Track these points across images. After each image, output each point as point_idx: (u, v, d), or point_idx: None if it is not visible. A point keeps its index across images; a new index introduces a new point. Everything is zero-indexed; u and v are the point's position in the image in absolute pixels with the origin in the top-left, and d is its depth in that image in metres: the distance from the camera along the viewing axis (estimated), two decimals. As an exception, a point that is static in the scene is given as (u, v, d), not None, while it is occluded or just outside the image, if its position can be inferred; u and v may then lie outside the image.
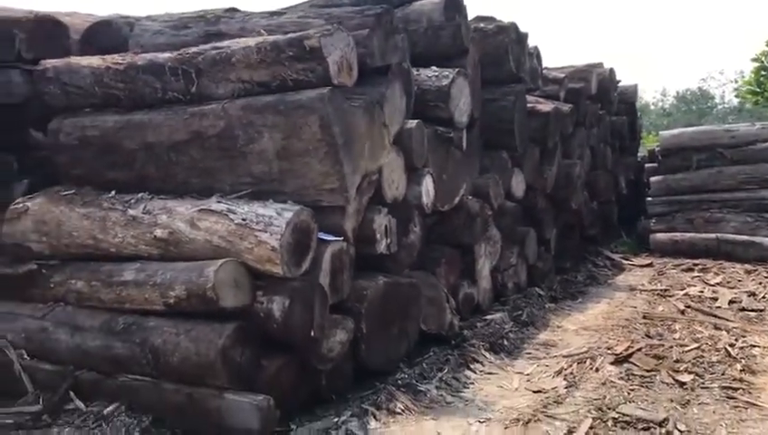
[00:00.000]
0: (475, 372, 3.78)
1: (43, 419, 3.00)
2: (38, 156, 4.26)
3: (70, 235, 3.50)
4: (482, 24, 5.58)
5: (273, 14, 4.14)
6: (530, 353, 4.13)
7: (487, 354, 4.00)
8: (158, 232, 3.21)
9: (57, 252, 3.58)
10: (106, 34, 4.50)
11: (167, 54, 3.59)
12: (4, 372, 3.32)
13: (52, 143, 3.83)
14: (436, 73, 4.43)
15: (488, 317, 4.64)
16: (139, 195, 3.46)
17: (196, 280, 2.95)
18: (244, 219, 3.08)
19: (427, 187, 4.10)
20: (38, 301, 3.54)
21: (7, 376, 3.31)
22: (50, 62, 3.82)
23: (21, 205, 3.69)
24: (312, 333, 3.01)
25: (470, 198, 4.76)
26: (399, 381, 3.49)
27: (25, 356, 3.31)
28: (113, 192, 3.57)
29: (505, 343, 4.22)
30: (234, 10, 4.54)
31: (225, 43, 3.47)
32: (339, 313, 3.32)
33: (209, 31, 4.16)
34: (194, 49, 3.54)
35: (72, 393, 3.11)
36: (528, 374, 3.78)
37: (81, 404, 3.06)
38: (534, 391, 3.51)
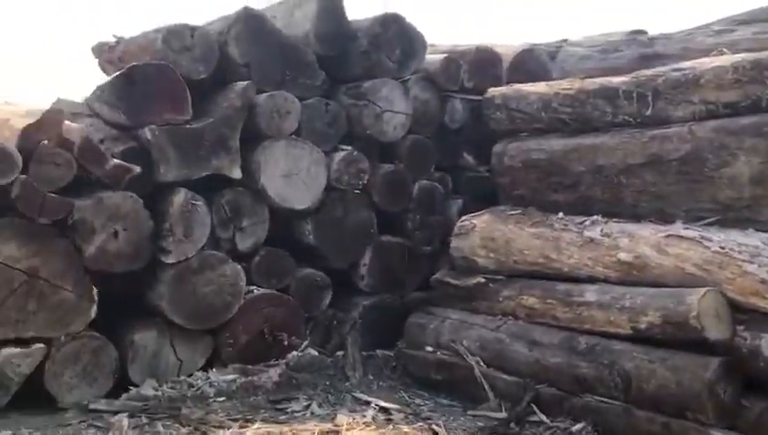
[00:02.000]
0: None
1: (511, 427, 3.16)
2: (468, 177, 4.61)
3: (520, 252, 3.68)
4: None
5: (720, 31, 3.93)
6: None
7: None
8: (623, 255, 3.21)
9: (503, 268, 3.79)
10: (530, 62, 4.70)
11: (620, 78, 3.59)
12: (463, 376, 3.59)
13: (495, 165, 4.08)
14: None
15: None
16: (593, 217, 3.50)
17: (675, 307, 2.87)
18: (722, 247, 2.93)
19: None
20: (485, 312, 3.77)
21: (467, 380, 3.57)
22: (497, 90, 4.09)
23: (468, 222, 3.99)
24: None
25: None
26: None
27: (482, 364, 3.54)
28: (560, 214, 3.67)
29: None
30: (641, 32, 4.45)
31: (688, 64, 3.36)
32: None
33: (645, 53, 4.08)
34: (651, 72, 3.48)
35: (533, 406, 3.22)
36: None
37: (544, 417, 3.16)
38: None
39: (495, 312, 3.73)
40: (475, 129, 4.52)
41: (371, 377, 3.88)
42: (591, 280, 3.37)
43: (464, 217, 4.06)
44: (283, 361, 3.66)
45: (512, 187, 4.02)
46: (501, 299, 3.71)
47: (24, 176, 3.04)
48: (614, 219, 3.44)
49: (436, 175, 4.43)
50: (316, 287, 3.96)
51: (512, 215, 3.85)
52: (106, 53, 4.48)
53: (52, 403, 3.21)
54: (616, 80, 3.61)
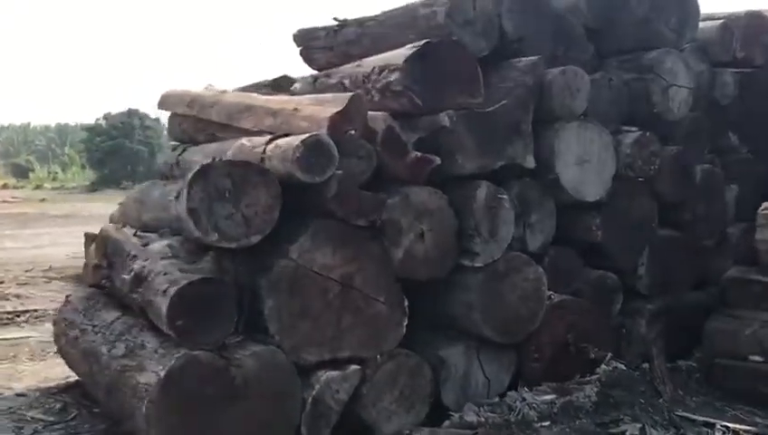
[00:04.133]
0: None
1: None
2: (734, 160, 4.07)
3: None
4: None
5: None
6: None
7: None
8: None
9: (838, 260, 3.23)
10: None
11: None
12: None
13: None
14: None
15: None
16: None
17: None
18: None
19: None
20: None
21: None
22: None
23: (776, 210, 3.44)
24: None
25: None
26: None
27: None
28: None
29: None
30: None
31: None
32: None
33: None
34: None
35: None
36: None
37: None
38: None
39: (835, 312, 3.18)
40: (741, 105, 3.98)
41: (680, 392, 3.36)
42: None
43: (765, 205, 3.51)
44: (596, 376, 3.16)
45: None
46: None
47: (340, 171, 2.61)
48: None
49: (708, 158, 3.90)
50: (608, 291, 3.46)
51: None
52: (322, 39, 4.08)
53: (366, 434, 2.78)
54: None
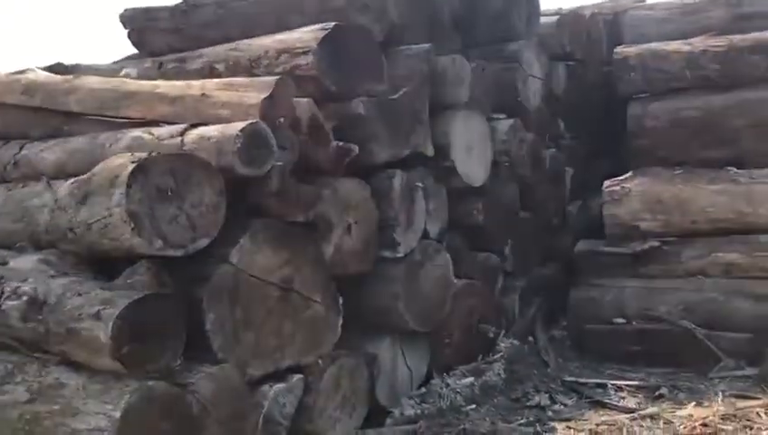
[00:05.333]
0: None
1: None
2: (566, 145, 4.50)
3: (702, 211, 3.65)
4: None
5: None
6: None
7: None
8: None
9: (673, 229, 3.73)
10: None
11: (775, 33, 3.70)
12: (668, 343, 3.49)
13: (633, 127, 4.00)
14: None
15: None
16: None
17: None
18: None
19: None
20: (663, 276, 3.70)
21: (674, 347, 3.48)
22: (631, 51, 4.00)
23: (618, 187, 3.87)
24: None
25: None
26: None
27: (692, 326, 3.46)
28: (731, 168, 3.70)
29: None
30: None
31: None
32: None
33: (738, 14, 4.23)
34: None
35: (780, 358, 3.22)
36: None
37: (801, 368, 3.17)
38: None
39: (678, 274, 3.68)
40: (568, 96, 4.42)
41: (560, 360, 3.63)
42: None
43: (609, 183, 3.92)
44: (499, 354, 3.29)
45: (653, 148, 3.97)
46: (683, 260, 3.67)
47: (280, 163, 2.37)
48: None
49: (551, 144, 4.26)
50: (492, 271, 3.61)
51: (676, 175, 3.80)
52: (165, 20, 3.69)
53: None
54: (769, 35, 3.71)
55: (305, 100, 2.63)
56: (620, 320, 3.64)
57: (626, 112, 4.02)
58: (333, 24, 2.82)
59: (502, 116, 3.67)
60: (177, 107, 2.60)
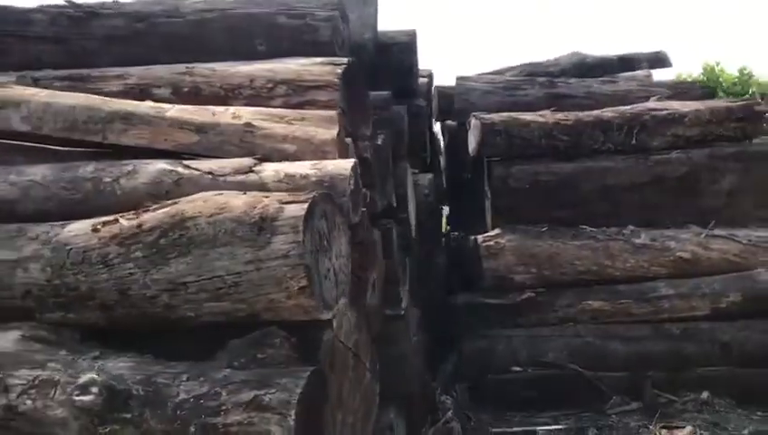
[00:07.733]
0: None
1: (656, 413, 3.63)
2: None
3: (569, 264, 4.09)
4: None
5: (605, 82, 5.11)
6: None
7: None
8: (684, 254, 4.03)
9: (544, 281, 4.12)
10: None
11: (609, 113, 4.40)
12: (557, 386, 3.81)
13: (497, 187, 4.33)
14: None
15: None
16: (629, 228, 4.19)
17: (751, 286, 3.87)
18: (749, 240, 4.07)
19: None
20: (538, 324, 4.05)
21: (564, 389, 3.81)
22: (498, 117, 4.35)
23: (493, 242, 4.16)
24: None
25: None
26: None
27: (578, 369, 3.84)
28: (596, 227, 4.23)
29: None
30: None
31: (675, 105, 4.41)
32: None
33: (551, 93, 4.96)
34: (639, 108, 4.40)
35: (655, 390, 3.76)
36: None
37: (673, 397, 3.73)
38: None
39: (551, 321, 4.06)
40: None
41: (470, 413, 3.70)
42: (646, 279, 4.07)
43: (483, 238, 4.18)
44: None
45: (515, 206, 4.34)
46: (556, 309, 4.06)
47: (363, 210, 2.07)
48: (645, 228, 4.22)
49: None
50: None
51: (542, 232, 4.21)
52: (40, 25, 2.99)
53: None
54: (606, 114, 4.40)
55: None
56: (517, 368, 3.85)
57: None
58: (347, 59, 2.57)
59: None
60: (211, 136, 2.09)
